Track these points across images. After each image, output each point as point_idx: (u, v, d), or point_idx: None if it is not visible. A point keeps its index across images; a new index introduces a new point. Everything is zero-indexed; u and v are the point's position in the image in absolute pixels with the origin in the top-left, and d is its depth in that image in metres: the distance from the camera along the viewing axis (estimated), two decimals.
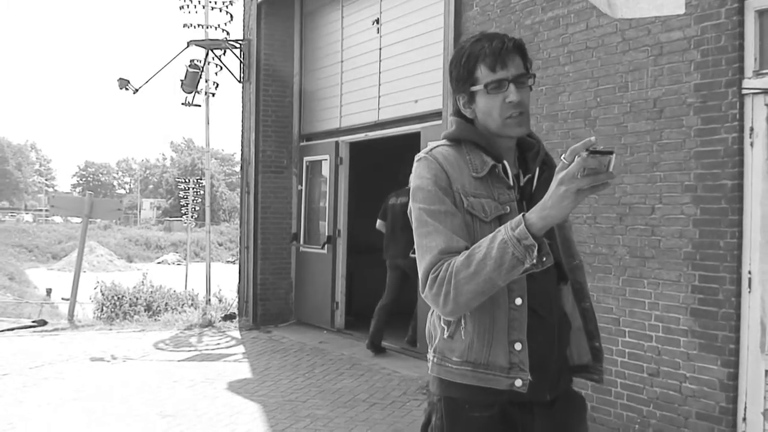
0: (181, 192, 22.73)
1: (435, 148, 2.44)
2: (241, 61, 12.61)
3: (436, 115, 8.45)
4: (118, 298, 13.88)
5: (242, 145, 12.64)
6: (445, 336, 2.39)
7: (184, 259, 38.17)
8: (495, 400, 2.34)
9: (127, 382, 8.52)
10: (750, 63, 5.27)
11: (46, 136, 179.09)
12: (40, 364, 9.38)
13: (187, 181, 22.18)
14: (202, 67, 13.50)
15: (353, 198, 11.45)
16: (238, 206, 13.01)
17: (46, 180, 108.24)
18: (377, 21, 10.26)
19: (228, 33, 13.71)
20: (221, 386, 8.25)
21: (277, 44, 12.14)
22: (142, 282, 14.80)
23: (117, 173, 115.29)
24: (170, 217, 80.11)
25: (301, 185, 12.08)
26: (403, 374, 8.77)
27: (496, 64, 2.33)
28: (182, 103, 13.81)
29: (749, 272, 5.24)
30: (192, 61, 13.81)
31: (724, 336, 5.35)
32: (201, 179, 18.03)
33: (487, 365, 2.32)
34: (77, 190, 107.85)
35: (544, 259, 2.12)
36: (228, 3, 14.04)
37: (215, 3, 14.60)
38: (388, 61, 10.05)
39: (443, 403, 2.40)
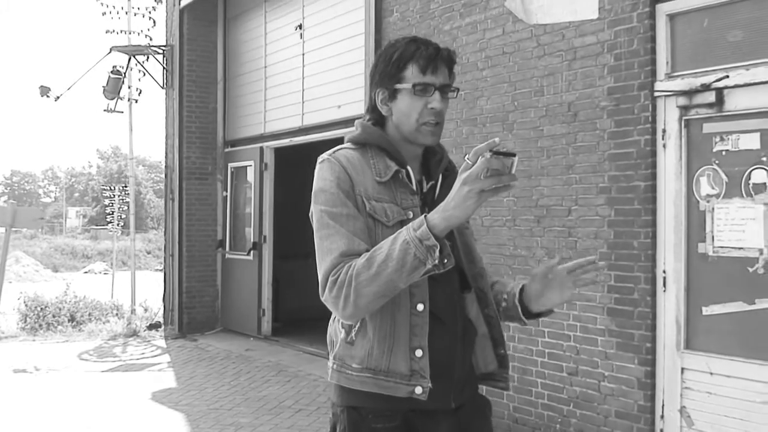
0: (106, 200, 22.27)
1: (338, 150, 2.41)
2: (164, 67, 12.43)
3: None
4: (41, 308, 13.51)
5: (166, 152, 12.46)
6: (346, 342, 2.36)
7: (111, 268, 37.51)
8: (397, 409, 2.31)
9: (49, 393, 8.32)
10: (662, 66, 5.38)
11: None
12: None
13: (112, 188, 21.74)
14: (125, 73, 13.25)
15: (279, 204, 11.38)
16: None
17: None
18: (300, 26, 10.22)
19: (151, 39, 13.44)
20: (145, 396, 8.11)
21: (200, 50, 12.00)
22: (65, 292, 14.44)
23: (42, 182, 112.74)
24: (96, 225, 78.56)
25: (226, 191, 11.96)
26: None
27: (427, 68, 2.33)
28: (104, 110, 13.55)
29: (664, 271, 5.35)
30: (114, 67, 13.54)
31: (640, 335, 5.45)
32: (126, 186, 17.68)
33: (387, 372, 2.28)
34: (2, 199, 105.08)
35: (446, 260, 2.11)
36: (151, 9, 13.79)
37: (138, 9, 14.33)
38: (312, 67, 10.01)
39: (346, 413, 2.36)
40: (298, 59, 10.31)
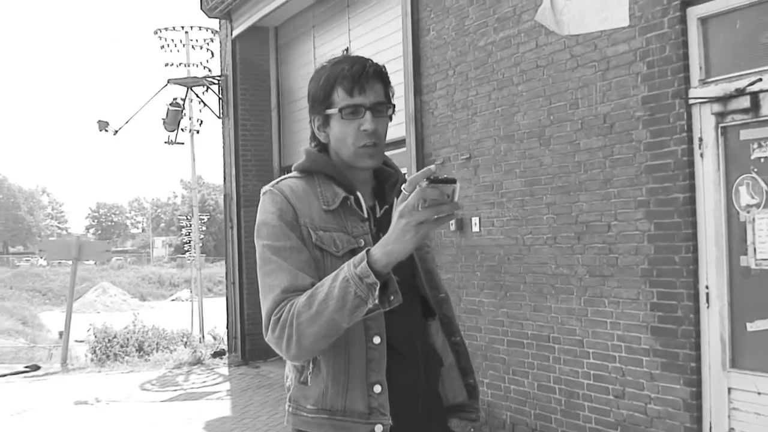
0: (183, 229, 22.72)
1: (282, 180, 2.30)
2: (219, 97, 12.59)
3: (402, 142, 8.36)
4: (109, 339, 13.77)
5: (225, 180, 12.59)
6: (299, 382, 2.23)
7: (194, 296, 38.24)
8: None
9: (106, 425, 8.41)
10: (695, 72, 5.16)
11: (56, 180, 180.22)
12: (22, 410, 9.28)
13: (188, 218, 22.19)
14: (183, 105, 13.46)
15: None
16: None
17: (58, 223, 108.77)
18: (347, 50, 10.20)
19: (210, 70, 13.69)
20: (198, 426, 8.14)
21: (254, 78, 12.10)
22: (133, 322, 14.70)
23: (129, 213, 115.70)
24: (182, 254, 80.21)
25: None
26: None
27: (354, 89, 2.19)
28: (165, 142, 13.80)
29: (706, 287, 5.09)
30: (174, 99, 13.78)
31: (685, 354, 5.20)
32: (202, 215, 17.96)
33: (344, 412, 2.14)
34: (90, 231, 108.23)
35: (392, 297, 1.98)
36: (209, 40, 14.03)
37: (196, 41, 14.61)
38: None
39: None
40: None
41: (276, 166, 12.15)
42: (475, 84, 7.04)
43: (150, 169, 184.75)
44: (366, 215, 2.27)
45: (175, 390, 10.42)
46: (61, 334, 33.96)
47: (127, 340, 14.06)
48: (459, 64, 7.24)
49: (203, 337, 14.44)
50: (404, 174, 2.45)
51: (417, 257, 2.34)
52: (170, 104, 13.45)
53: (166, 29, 14.68)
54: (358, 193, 2.28)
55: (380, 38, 9.27)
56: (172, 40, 14.60)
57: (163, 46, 14.48)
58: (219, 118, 12.69)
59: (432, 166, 1.90)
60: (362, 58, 2.28)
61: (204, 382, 10.96)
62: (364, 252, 1.97)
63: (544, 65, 6.27)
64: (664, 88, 5.29)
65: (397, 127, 8.77)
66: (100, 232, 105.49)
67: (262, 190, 2.31)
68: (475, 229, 7.09)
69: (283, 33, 12.09)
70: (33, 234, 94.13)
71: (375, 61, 2.29)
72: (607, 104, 5.71)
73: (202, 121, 14.24)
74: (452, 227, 7.31)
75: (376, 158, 2.26)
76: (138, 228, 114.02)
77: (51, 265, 75.70)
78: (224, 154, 12.55)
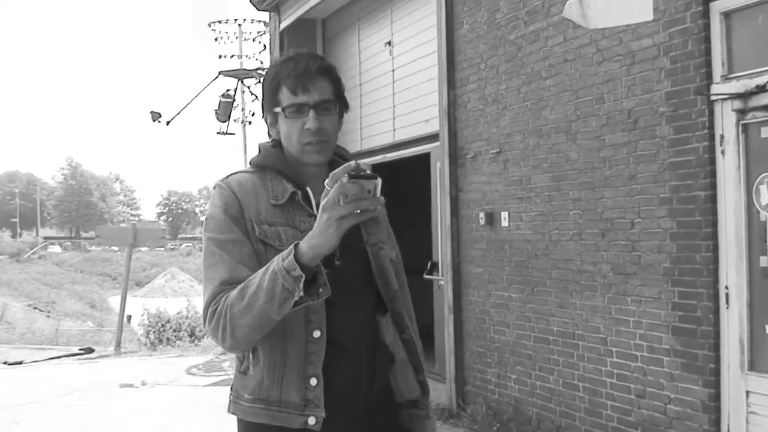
0: None
1: (233, 174, 2.35)
2: None
3: (436, 136, 8.35)
4: (162, 324, 14.08)
5: None
6: (239, 371, 2.30)
7: None
8: None
9: (147, 408, 8.61)
10: (717, 67, 5.04)
11: (129, 168, 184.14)
12: (68, 392, 9.56)
13: None
14: (234, 97, 13.63)
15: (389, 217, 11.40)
16: None
17: (131, 210, 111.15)
18: (389, 43, 10.20)
19: (261, 62, 13.82)
20: None
21: None
22: (186, 308, 15.00)
23: (199, 200, 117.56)
24: None
25: None
26: None
27: (297, 88, 2.23)
28: (217, 132, 13.99)
29: (726, 287, 4.99)
30: (227, 90, 13.96)
31: (704, 355, 5.10)
32: None
33: (279, 402, 2.19)
34: (162, 218, 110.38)
35: (321, 290, 2.03)
36: (261, 33, 14.17)
37: (249, 33, 14.78)
38: (401, 82, 9.97)
39: None
40: (389, 76, 10.30)
41: None
42: (505, 78, 6.99)
43: (203, 159, 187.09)
44: (314, 210, 2.28)
45: (219, 375, 10.62)
46: (128, 318, 34.90)
47: (180, 325, 14.36)
48: (490, 58, 7.19)
49: None
50: (359, 164, 2.49)
51: (371, 253, 2.37)
52: (222, 96, 13.64)
53: (219, 22, 14.89)
54: (308, 188, 2.32)
55: (420, 32, 9.25)
56: (226, 32, 14.79)
57: (217, 39, 14.69)
58: None
59: (353, 162, 1.91)
60: (309, 55, 2.31)
61: None
62: (292, 245, 2.01)
63: (571, 59, 6.19)
64: (687, 84, 5.19)
65: (432, 121, 8.79)
66: (170, 219, 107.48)
67: (213, 185, 2.36)
68: (504, 223, 7.05)
69: (330, 25, 12.13)
70: (105, 220, 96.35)
71: (321, 58, 2.33)
72: (631, 99, 5.62)
73: (254, 113, 14.39)
74: (482, 221, 7.29)
75: (323, 154, 2.30)
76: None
77: (122, 251, 77.58)
78: None
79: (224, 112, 13.74)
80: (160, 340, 13.73)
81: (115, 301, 50.26)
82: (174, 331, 14.11)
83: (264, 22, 14.45)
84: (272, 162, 2.34)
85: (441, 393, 8.20)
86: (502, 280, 7.12)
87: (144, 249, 64.32)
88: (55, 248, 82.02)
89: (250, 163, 2.42)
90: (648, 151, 5.50)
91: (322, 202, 1.92)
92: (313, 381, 2.19)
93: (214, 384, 9.92)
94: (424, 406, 2.48)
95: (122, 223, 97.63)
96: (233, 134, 14.25)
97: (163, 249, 68.93)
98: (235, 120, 14.51)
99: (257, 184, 2.30)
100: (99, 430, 7.74)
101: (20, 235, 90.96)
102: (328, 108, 2.27)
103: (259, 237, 2.22)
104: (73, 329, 23.40)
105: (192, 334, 14.11)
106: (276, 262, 2.02)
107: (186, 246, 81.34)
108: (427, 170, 9.01)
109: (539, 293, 6.63)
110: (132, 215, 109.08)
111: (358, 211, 1.90)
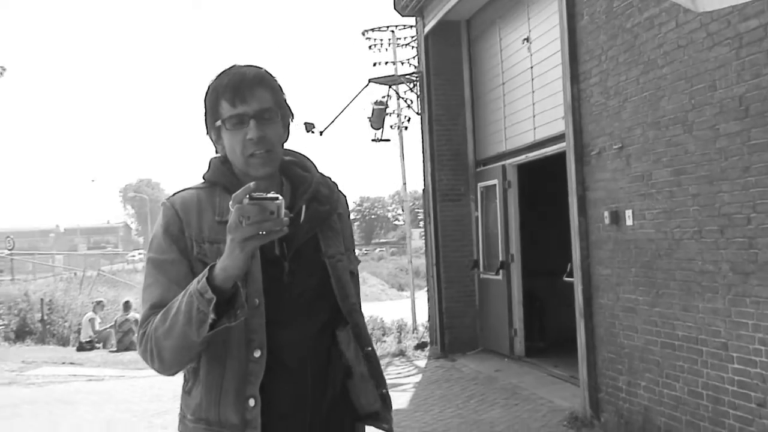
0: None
1: (181, 191, 2.31)
2: (416, 94, 12.75)
3: (561, 137, 8.06)
4: None
5: (424, 175, 12.71)
6: (185, 391, 2.27)
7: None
8: None
9: None
10: None
11: (337, 176, 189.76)
12: None
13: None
14: (386, 103, 13.76)
15: (531, 219, 11.18)
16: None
17: None
18: (527, 39, 9.99)
19: (415, 67, 13.86)
20: None
21: (447, 73, 12.12)
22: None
23: (391, 206, 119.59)
24: None
25: (477, 211, 11.93)
26: (557, 404, 8.36)
27: (235, 99, 2.17)
28: (372, 140, 14.13)
29: None
30: (383, 97, 14.10)
31: None
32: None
33: (219, 423, 2.16)
34: (355, 224, 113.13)
35: (238, 312, 1.99)
36: (414, 38, 14.23)
37: (403, 38, 14.90)
38: (539, 79, 9.73)
39: None
40: (527, 73, 10.08)
41: (471, 160, 12.11)
42: (624, 69, 6.65)
43: (358, 167, 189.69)
44: None
45: None
46: None
47: None
48: (610, 48, 6.87)
49: (415, 328, 14.71)
50: (327, 179, 2.43)
51: (329, 265, 2.31)
52: (375, 103, 13.78)
53: (373, 30, 15.07)
54: None
55: (554, 26, 8.99)
56: (380, 40, 14.95)
57: (370, 47, 14.86)
58: (418, 114, 12.85)
59: (252, 183, 1.87)
60: (245, 66, 2.25)
61: (399, 373, 11.17)
62: (207, 267, 1.98)
63: (684, 45, 5.81)
64: None
65: (556, 122, 8.50)
66: (363, 224, 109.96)
67: (161, 202, 2.33)
68: (629, 222, 6.70)
69: (474, 26, 12.02)
70: None
71: (258, 67, 2.27)
72: (741, 85, 5.20)
73: (410, 118, 14.44)
74: (607, 220, 6.97)
75: (268, 165, 2.23)
76: (399, 220, 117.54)
77: None
78: (422, 150, 12.69)
79: (378, 119, 13.87)
80: None
81: None
82: None
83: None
84: (219, 178, 2.29)
85: (575, 399, 7.92)
86: (629, 282, 6.77)
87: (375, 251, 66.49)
88: None
89: (202, 178, 2.37)
90: (761, 140, 5.06)
91: (228, 225, 1.90)
92: (251, 402, 2.14)
93: None
94: (386, 419, 2.40)
95: None
96: (388, 140, 14.34)
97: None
98: (391, 126, 14.61)
99: (204, 200, 2.26)
100: None
101: None
102: (269, 117, 2.21)
103: (198, 257, 2.19)
104: None
105: None
106: (192, 285, 2.00)
107: (379, 251, 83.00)
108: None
109: (664, 296, 6.26)
110: None
111: (263, 232, 1.87)
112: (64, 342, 17.43)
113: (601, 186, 7.16)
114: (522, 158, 10.51)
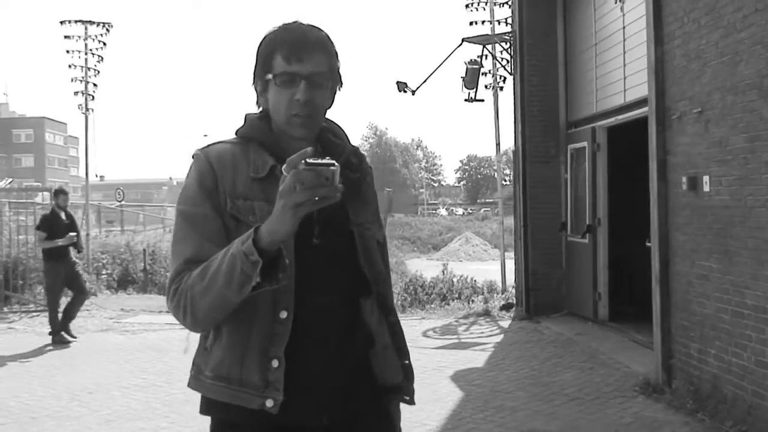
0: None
1: (213, 144, 2.28)
2: (509, 54, 12.67)
3: (644, 101, 7.93)
4: (414, 288, 14.59)
5: (515, 136, 12.66)
6: (204, 348, 2.26)
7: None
8: (259, 423, 2.16)
9: None
10: None
11: (430, 135, 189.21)
12: None
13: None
14: (480, 63, 13.71)
15: (620, 182, 11.02)
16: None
17: (432, 176, 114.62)
18: None
19: (511, 26, 13.76)
20: (446, 374, 8.46)
21: (540, 33, 11.98)
22: (443, 272, 15.41)
23: (497, 165, 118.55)
24: None
25: (566, 173, 11.84)
26: (632, 369, 8.34)
27: (291, 57, 2.15)
28: (465, 100, 14.11)
29: None
30: (479, 56, 14.06)
31: None
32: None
33: (240, 382, 2.15)
34: (461, 183, 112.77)
35: (280, 275, 1.99)
36: None
37: None
38: (631, 40, 9.56)
39: (213, 425, 2.28)
40: (620, 33, 9.90)
41: (562, 121, 11.98)
42: (705, 32, 6.50)
43: (451, 127, 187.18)
44: None
45: (450, 339, 10.88)
46: None
47: (432, 288, 14.80)
48: (692, 11, 6.71)
49: (504, 290, 14.75)
50: (356, 148, 2.41)
51: (357, 233, 2.30)
52: (469, 63, 13.76)
53: None
54: None
55: None
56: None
57: (467, 5, 14.79)
58: (510, 74, 12.78)
59: (310, 148, 1.84)
60: (307, 26, 2.23)
61: (482, 333, 11.29)
62: (252, 229, 1.96)
63: (762, 9, 5.65)
64: None
65: (644, 85, 8.34)
66: (469, 184, 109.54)
67: (192, 153, 2.27)
68: (706, 188, 6.59)
69: None
70: (407, 186, 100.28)
71: (320, 29, 2.24)
72: None
73: (505, 79, 14.37)
74: (684, 186, 6.87)
75: (308, 128, 2.22)
76: (507, 180, 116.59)
77: (422, 215, 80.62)
78: (514, 110, 12.62)
79: (471, 79, 13.84)
80: (412, 303, 14.21)
81: (412, 264, 52.52)
82: (427, 294, 14.56)
83: None
84: (255, 133, 2.27)
85: (651, 366, 7.87)
86: (704, 250, 6.68)
87: (481, 211, 66.85)
88: None
89: (236, 133, 2.31)
90: None
91: (280, 188, 1.87)
92: (275, 363, 2.13)
93: (441, 347, 10.16)
94: (407, 391, 2.42)
95: (421, 189, 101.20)
96: (482, 101, 14.30)
97: (461, 214, 70.81)
98: (486, 87, 14.56)
99: (238, 156, 2.23)
100: None
101: None
102: (320, 82, 2.19)
103: (231, 212, 2.16)
104: None
105: (444, 298, 14.45)
106: (235, 246, 1.98)
107: (484, 210, 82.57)
108: None
109: (736, 264, 6.16)
110: (433, 180, 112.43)
111: (316, 198, 1.85)
112: (165, 291, 18.08)
113: (681, 151, 7.05)
114: (611, 120, 10.37)
